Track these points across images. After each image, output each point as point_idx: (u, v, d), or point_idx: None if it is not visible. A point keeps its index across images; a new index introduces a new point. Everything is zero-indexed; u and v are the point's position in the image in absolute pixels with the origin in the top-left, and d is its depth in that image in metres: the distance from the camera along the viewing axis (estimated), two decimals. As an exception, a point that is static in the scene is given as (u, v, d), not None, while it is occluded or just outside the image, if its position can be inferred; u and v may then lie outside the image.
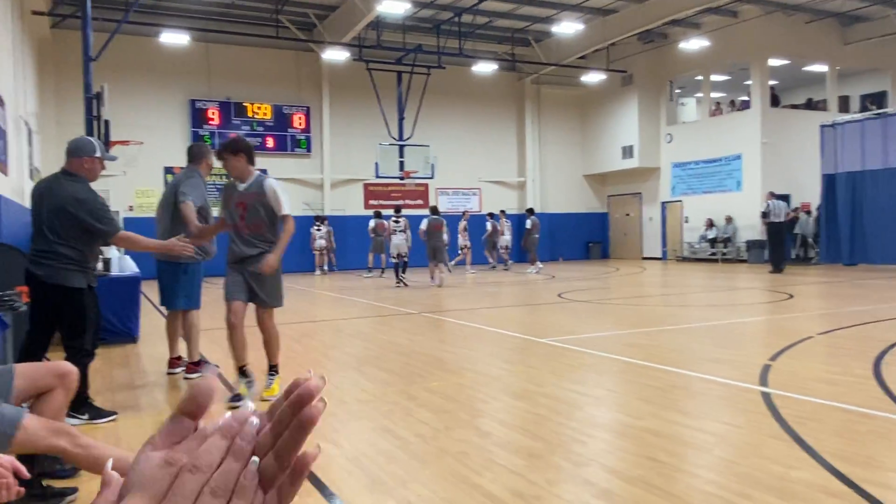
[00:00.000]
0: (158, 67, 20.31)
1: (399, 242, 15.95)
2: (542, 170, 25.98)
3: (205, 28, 19.61)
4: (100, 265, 8.86)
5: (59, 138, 18.87)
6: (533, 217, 19.05)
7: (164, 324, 6.18)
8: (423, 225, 15.48)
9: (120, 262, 8.33)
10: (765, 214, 16.67)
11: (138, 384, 5.68)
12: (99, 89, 13.32)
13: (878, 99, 23.62)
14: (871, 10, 21.01)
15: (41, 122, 17.37)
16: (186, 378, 5.79)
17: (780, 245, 17.00)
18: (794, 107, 23.72)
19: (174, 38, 18.84)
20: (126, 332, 7.68)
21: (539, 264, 19.12)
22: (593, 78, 24.17)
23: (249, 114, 21.50)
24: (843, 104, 23.51)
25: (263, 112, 21.67)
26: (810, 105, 23.46)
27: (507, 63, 24.12)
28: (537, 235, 19.14)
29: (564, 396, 4.87)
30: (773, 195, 16.87)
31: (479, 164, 24.86)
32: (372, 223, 18.74)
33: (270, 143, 21.76)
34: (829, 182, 18.47)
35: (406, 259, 16.08)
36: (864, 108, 22.87)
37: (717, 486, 3.08)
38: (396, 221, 16.24)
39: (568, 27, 19.74)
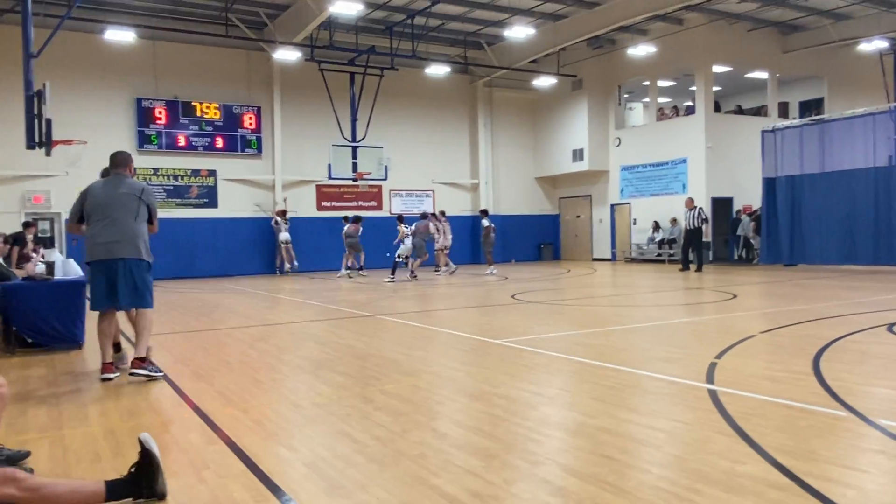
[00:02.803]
0: (103, 65, 19.76)
1: (408, 245, 17.99)
2: (494, 172, 26.19)
3: (151, 25, 19.18)
4: (42, 268, 8.61)
5: (-2, 137, 18.20)
6: (488, 218, 19.25)
7: (101, 327, 5.90)
8: (413, 227, 17.85)
9: (64, 266, 8.09)
10: (705, 220, 18.12)
11: (85, 392, 5.53)
12: (40, 87, 12.90)
13: (815, 105, 24.57)
14: (809, 20, 21.86)
15: (-23, 120, 16.69)
16: (134, 374, 5.70)
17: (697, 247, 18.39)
18: (737, 112, 24.49)
19: (119, 35, 18.35)
20: (71, 338, 7.46)
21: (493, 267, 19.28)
22: (544, 82, 24.49)
23: (198, 113, 21.09)
24: (783, 110, 24.38)
25: (213, 112, 21.28)
26: (740, 112, 24.28)
27: (460, 66, 24.25)
28: (494, 236, 19.33)
29: (519, 396, 4.94)
30: (692, 202, 18.33)
31: (432, 166, 24.91)
32: (348, 227, 19.41)
33: (220, 143, 21.41)
34: (770, 185, 19.12)
35: (407, 260, 18.11)
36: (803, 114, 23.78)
37: (668, 482, 3.18)
38: (408, 227, 18.43)
39: (519, 31, 19.97)
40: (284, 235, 20.76)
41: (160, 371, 5.88)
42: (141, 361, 5.76)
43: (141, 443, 3.17)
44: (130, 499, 3.08)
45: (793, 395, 4.70)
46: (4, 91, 17.97)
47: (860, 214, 17.02)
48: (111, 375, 5.84)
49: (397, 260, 18.10)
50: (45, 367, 6.63)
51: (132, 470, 3.13)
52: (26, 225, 14.26)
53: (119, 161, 6.12)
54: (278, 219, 20.95)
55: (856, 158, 17.27)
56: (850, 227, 17.23)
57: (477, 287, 15.19)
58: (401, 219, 19.18)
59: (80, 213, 5.95)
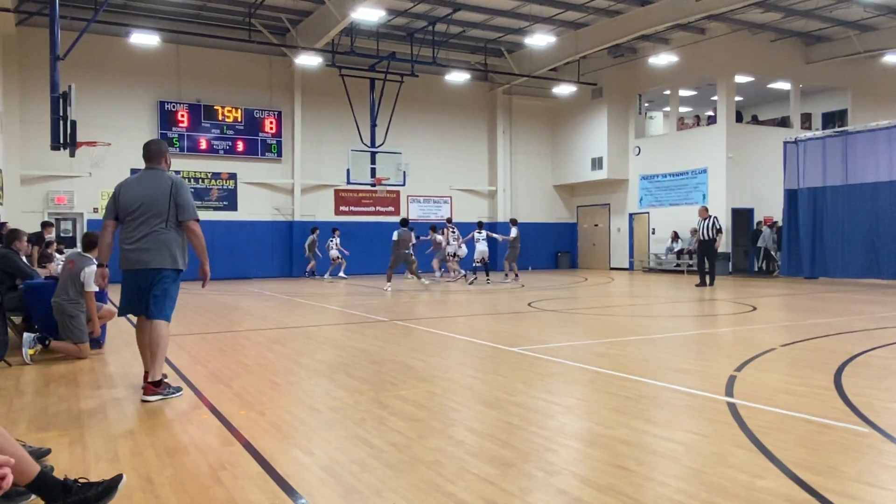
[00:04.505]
0: (127, 68, 20.04)
1: (483, 249, 18.75)
2: (512, 179, 26.19)
3: (175, 29, 19.42)
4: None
5: (24, 137, 18.54)
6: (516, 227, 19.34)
7: (138, 337, 5.47)
8: (395, 236, 16.75)
9: (86, 266, 8.14)
10: (719, 231, 16.83)
11: (105, 392, 5.59)
12: (66, 89, 13.12)
13: (838, 117, 24.33)
14: (833, 31, 21.66)
15: (5, 120, 16.99)
16: (146, 401, 5.17)
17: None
18: (759, 122, 24.30)
19: (144, 39, 18.61)
20: (92, 339, 7.52)
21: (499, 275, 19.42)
22: (564, 90, 24.47)
23: (220, 117, 21.31)
24: (806, 121, 24.16)
25: (234, 115, 21.49)
26: (756, 123, 24.05)
27: (480, 73, 24.30)
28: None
29: (536, 405, 4.92)
30: (706, 212, 17.07)
31: (450, 173, 24.96)
32: (394, 235, 18.89)
33: (241, 146, 21.61)
34: (792, 197, 18.92)
35: (487, 262, 18.97)
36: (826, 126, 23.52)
37: (686, 495, 3.15)
38: (479, 232, 18.92)
39: (540, 39, 19.97)
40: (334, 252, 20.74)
41: (178, 390, 5.36)
42: (154, 386, 5.16)
43: (116, 480, 3.11)
44: (41, 498, 2.97)
45: (813, 410, 4.64)
46: (31, 92, 18.28)
47: (883, 228, 16.78)
48: (151, 398, 5.14)
49: (477, 265, 18.98)
50: (66, 366, 6.70)
51: (80, 481, 3.03)
52: (45, 225, 14.44)
53: (152, 153, 5.39)
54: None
55: (879, 171, 17.03)
56: (872, 241, 16.99)
57: (493, 294, 15.17)
58: (480, 225, 19.44)
59: (115, 212, 5.28)
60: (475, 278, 18.81)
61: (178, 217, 5.21)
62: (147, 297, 5.24)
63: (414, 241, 16.77)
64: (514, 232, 18.93)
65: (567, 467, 3.57)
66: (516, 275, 19.15)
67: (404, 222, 16.88)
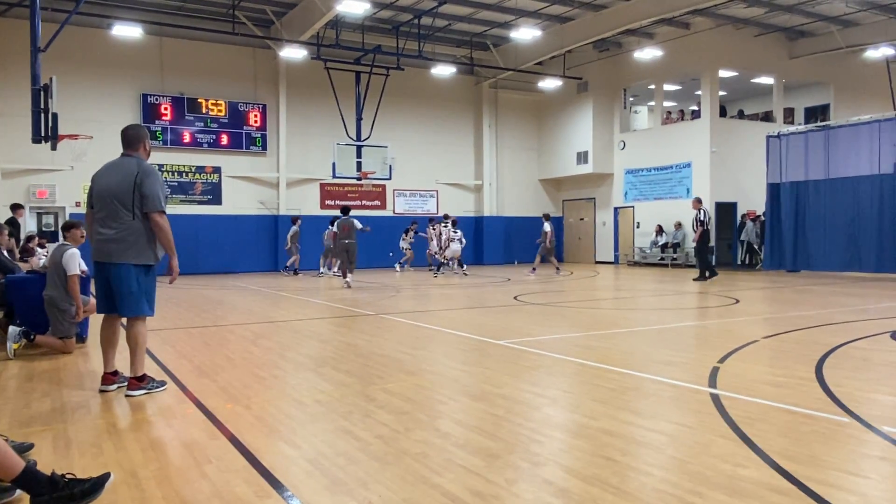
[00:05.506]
0: (110, 60, 19.81)
1: (456, 248, 19.02)
2: (498, 173, 26.19)
3: (158, 21, 19.22)
4: (45, 261, 8.63)
5: (4, 131, 18.32)
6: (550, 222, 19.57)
7: (102, 333, 5.36)
8: (334, 227, 16.62)
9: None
10: (701, 223, 16.04)
11: (88, 387, 5.55)
12: (47, 81, 12.95)
13: (821, 111, 24.54)
14: (816, 26, 21.83)
15: (-16, 113, 16.71)
16: (130, 396, 5.12)
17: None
18: (743, 117, 24.46)
19: (126, 31, 18.39)
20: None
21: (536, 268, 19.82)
22: (550, 84, 24.48)
23: (203, 110, 21.13)
24: (788, 116, 24.35)
25: (218, 108, 21.31)
26: (742, 117, 24.17)
27: (466, 66, 24.26)
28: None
29: (521, 397, 4.94)
30: (698, 203, 16.47)
31: (436, 167, 24.93)
32: (334, 226, 17.87)
33: (225, 140, 21.45)
34: (774, 191, 19.09)
35: (460, 259, 19.33)
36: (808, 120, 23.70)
37: (670, 485, 3.18)
38: (455, 231, 18.98)
39: (526, 33, 19.97)
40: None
41: (162, 384, 5.31)
42: (138, 381, 5.13)
43: (104, 478, 3.10)
44: (28, 493, 2.96)
45: (795, 401, 4.69)
46: (11, 85, 18.03)
47: (864, 221, 17.00)
48: (109, 388, 5.25)
49: (443, 261, 19.29)
50: (50, 361, 6.65)
51: (68, 476, 3.01)
52: (15, 207, 14.09)
53: (129, 139, 5.18)
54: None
55: (861, 165, 17.24)
56: (854, 234, 17.21)
57: (479, 288, 15.19)
58: (455, 223, 19.52)
59: (91, 201, 5.19)
60: (443, 273, 19.06)
61: (143, 208, 4.98)
62: (116, 295, 5.09)
63: (359, 227, 15.61)
64: (547, 227, 19.13)
65: (552, 458, 3.60)
66: (557, 268, 19.90)
67: (345, 210, 16.14)
